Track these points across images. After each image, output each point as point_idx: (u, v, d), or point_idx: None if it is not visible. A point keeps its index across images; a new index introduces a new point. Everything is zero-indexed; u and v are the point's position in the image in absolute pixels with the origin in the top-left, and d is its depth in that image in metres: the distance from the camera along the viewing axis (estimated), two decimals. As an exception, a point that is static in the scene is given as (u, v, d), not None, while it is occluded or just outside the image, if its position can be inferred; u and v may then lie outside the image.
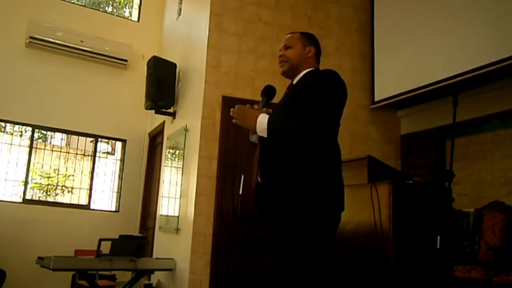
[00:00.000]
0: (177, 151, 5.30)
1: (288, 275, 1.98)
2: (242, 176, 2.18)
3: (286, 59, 2.25)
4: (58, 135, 7.56)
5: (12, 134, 6.68)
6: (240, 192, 2.17)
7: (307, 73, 2.22)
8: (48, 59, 6.30)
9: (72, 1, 6.79)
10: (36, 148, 6.54)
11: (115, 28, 6.79)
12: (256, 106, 2.16)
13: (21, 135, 6.60)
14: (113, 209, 6.65)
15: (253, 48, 4.88)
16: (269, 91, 2.24)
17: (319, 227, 1.97)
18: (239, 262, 4.43)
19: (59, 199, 6.76)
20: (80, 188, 6.63)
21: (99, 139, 6.78)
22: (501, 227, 3.89)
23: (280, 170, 2.04)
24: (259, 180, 2.13)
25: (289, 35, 2.32)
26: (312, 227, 1.96)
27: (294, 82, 2.25)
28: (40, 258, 4.32)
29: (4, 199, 6.02)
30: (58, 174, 6.80)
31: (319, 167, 2.01)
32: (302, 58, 2.24)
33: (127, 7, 7.44)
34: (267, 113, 2.10)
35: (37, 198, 6.61)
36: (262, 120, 2.02)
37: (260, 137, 2.14)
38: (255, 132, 2.09)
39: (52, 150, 7.03)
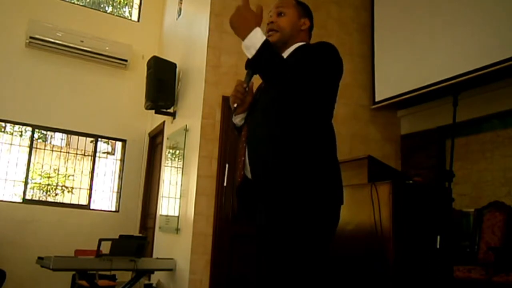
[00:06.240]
0: (177, 151, 5.30)
1: (285, 275, 1.74)
2: (227, 166, 1.99)
3: (277, 28, 1.91)
4: (58, 135, 7.55)
5: (12, 134, 6.68)
6: (225, 184, 1.98)
7: (297, 48, 1.91)
8: (48, 59, 6.30)
9: (72, 1, 6.78)
10: (36, 148, 6.54)
11: (115, 28, 6.79)
12: (241, 83, 1.92)
13: (21, 135, 6.60)
14: (113, 209, 6.65)
15: (253, 48, 4.87)
16: None
17: (319, 224, 1.75)
18: (239, 262, 4.43)
19: (59, 199, 6.76)
20: (80, 188, 6.63)
21: (99, 139, 6.78)
22: (501, 227, 3.89)
23: (272, 161, 1.74)
24: (246, 173, 1.85)
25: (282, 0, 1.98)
26: (311, 224, 1.73)
27: (284, 55, 1.91)
28: (40, 258, 4.32)
29: (4, 199, 6.01)
30: (58, 174, 6.80)
31: (316, 155, 1.76)
32: (295, 29, 1.93)
33: (127, 7, 7.44)
34: (251, 86, 1.90)
35: (37, 198, 6.60)
36: (258, 36, 1.68)
37: (245, 121, 1.92)
38: (237, 112, 1.92)
39: (52, 150, 7.03)
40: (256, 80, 1.97)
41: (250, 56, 1.71)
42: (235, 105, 1.92)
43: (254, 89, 2.01)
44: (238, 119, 1.98)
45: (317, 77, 1.76)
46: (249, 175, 1.85)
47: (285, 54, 1.92)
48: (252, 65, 1.75)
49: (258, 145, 1.82)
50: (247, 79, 1.91)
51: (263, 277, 1.87)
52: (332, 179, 1.80)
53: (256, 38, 1.68)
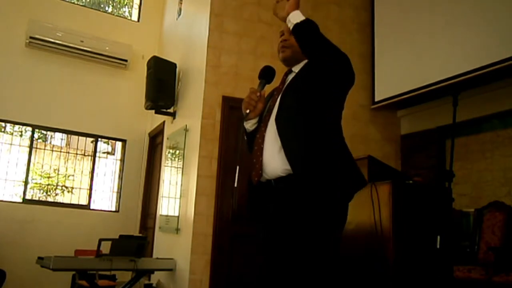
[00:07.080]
0: (177, 151, 5.30)
1: (300, 266, 1.86)
2: (237, 168, 1.99)
3: (290, 45, 2.08)
4: (58, 135, 7.56)
5: (12, 134, 6.68)
6: (235, 185, 2.03)
7: (308, 62, 2.07)
8: (48, 59, 6.30)
9: (72, 1, 6.78)
10: (36, 148, 6.54)
11: (115, 28, 6.79)
12: (255, 90, 2.06)
13: (21, 135, 6.60)
14: (113, 209, 6.65)
15: (253, 48, 4.88)
16: (268, 73, 2.11)
17: (338, 215, 1.94)
18: (239, 262, 4.43)
19: (59, 199, 6.76)
20: (80, 188, 6.63)
21: (99, 139, 6.78)
22: (501, 227, 3.89)
23: (303, 156, 1.88)
24: (264, 174, 1.96)
25: None
26: (332, 215, 1.90)
27: (295, 69, 2.11)
28: (40, 258, 4.32)
29: (4, 199, 6.02)
30: (58, 174, 6.80)
31: (337, 151, 1.97)
32: None
33: (127, 7, 7.44)
34: (263, 94, 2.07)
35: (37, 198, 6.61)
36: (301, 14, 1.97)
37: (259, 124, 2.04)
38: (249, 118, 2.06)
39: (52, 150, 7.03)
40: (268, 88, 2.12)
41: (293, 25, 1.97)
42: (248, 111, 2.04)
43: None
44: (249, 125, 2.11)
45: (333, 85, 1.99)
46: (265, 175, 1.96)
47: (296, 68, 2.09)
48: (296, 30, 1.97)
49: (287, 143, 1.91)
50: (261, 87, 2.07)
51: (274, 271, 1.96)
52: (351, 172, 1.98)
53: (300, 14, 1.97)
